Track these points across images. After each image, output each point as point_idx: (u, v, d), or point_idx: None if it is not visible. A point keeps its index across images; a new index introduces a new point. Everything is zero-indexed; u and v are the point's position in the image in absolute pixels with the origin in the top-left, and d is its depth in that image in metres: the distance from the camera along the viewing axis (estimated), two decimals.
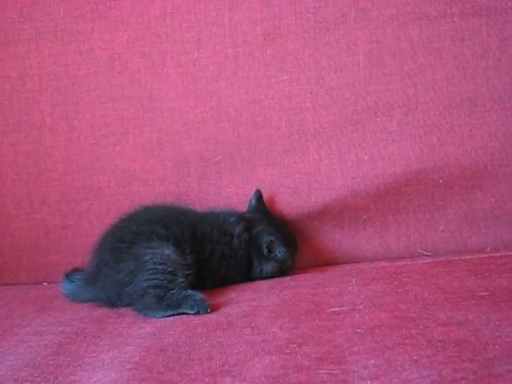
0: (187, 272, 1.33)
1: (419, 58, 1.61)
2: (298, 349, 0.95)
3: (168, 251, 1.33)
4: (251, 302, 1.28)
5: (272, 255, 1.50)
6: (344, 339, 0.98)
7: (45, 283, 1.73)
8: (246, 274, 1.51)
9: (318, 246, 1.65)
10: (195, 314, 1.23)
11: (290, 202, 1.64)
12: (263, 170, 1.66)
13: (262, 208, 1.60)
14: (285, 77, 1.65)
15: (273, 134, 1.65)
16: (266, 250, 1.49)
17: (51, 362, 1.03)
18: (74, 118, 1.73)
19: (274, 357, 0.93)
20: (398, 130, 1.62)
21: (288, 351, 0.95)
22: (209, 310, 1.23)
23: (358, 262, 1.61)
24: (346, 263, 1.62)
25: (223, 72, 1.67)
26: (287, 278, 1.49)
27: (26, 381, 0.95)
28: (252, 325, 1.12)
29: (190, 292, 1.27)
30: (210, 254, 1.46)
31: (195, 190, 1.68)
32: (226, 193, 1.67)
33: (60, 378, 0.96)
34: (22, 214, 1.76)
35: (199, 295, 1.26)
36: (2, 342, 1.18)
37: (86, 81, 1.72)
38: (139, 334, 1.15)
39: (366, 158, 1.62)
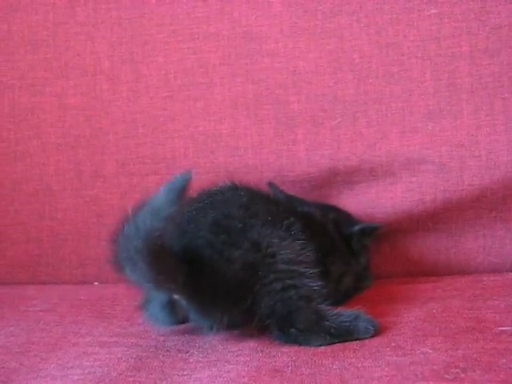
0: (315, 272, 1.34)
1: None
2: (462, 375, 1.02)
3: (297, 245, 1.34)
4: (384, 318, 1.34)
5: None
6: None
7: (96, 283, 1.85)
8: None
9: (470, 245, 1.71)
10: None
11: (433, 183, 1.69)
12: (398, 139, 1.72)
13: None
14: (432, 10, 1.70)
15: (413, 90, 1.71)
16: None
17: (131, 379, 1.13)
18: (141, 61, 1.83)
19: (431, 383, 0.99)
20: None
21: (449, 377, 1.01)
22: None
23: None
24: (510, 271, 1.67)
25: (346, 3, 1.74)
26: (429, 286, 1.55)
27: None
28: (392, 344, 1.19)
29: (354, 311, 1.29)
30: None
31: (303, 164, 1.75)
32: (344, 167, 1.74)
33: None
34: (68, 189, 1.88)
35: (362, 312, 1.30)
36: (57, 352, 1.29)
37: (158, 11, 1.82)
38: (240, 349, 1.23)
39: None
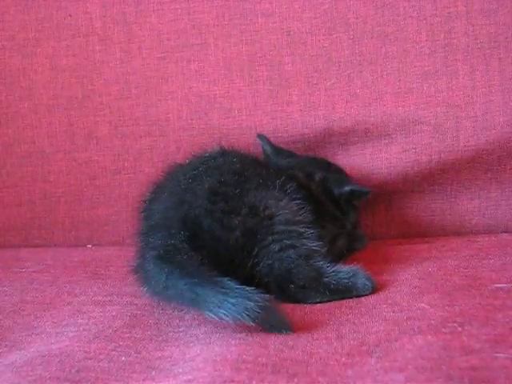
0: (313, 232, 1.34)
1: None
2: (459, 329, 1.02)
3: (294, 205, 1.34)
4: (381, 276, 1.35)
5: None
6: None
7: (89, 245, 1.85)
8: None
9: (465, 206, 1.71)
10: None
11: (428, 144, 1.69)
12: (393, 99, 1.71)
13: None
14: None
15: (408, 51, 1.70)
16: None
17: (127, 335, 1.14)
18: (134, 22, 1.81)
19: (429, 337, 1.00)
20: None
21: (447, 331, 1.01)
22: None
23: None
24: (505, 232, 1.68)
25: None
26: (425, 247, 1.56)
27: (100, 354, 1.05)
28: (389, 301, 1.20)
29: (353, 268, 1.31)
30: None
31: (297, 125, 1.75)
32: (339, 128, 1.73)
33: (144, 353, 1.06)
34: (60, 151, 1.86)
35: (360, 269, 1.31)
36: (52, 310, 1.30)
37: None
38: None
39: None
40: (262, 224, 1.27)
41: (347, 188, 1.55)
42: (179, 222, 1.27)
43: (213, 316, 1.07)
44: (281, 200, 1.32)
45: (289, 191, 1.36)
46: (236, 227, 1.26)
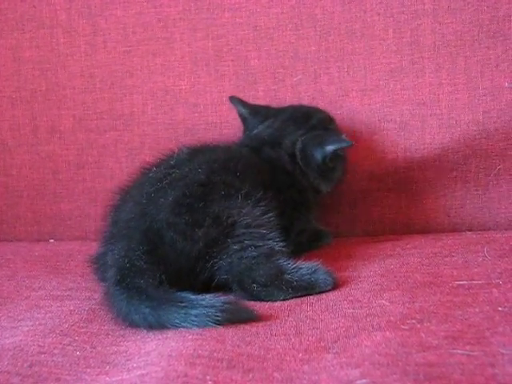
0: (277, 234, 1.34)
1: None
2: (418, 325, 1.01)
3: (257, 211, 1.33)
4: (342, 273, 1.35)
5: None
6: (481, 318, 1.03)
7: (51, 240, 1.84)
8: None
9: (431, 205, 1.71)
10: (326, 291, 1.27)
11: (394, 142, 1.69)
12: (358, 97, 1.71)
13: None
14: None
15: (375, 47, 1.70)
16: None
17: (83, 330, 1.12)
18: (99, 14, 1.80)
19: (387, 333, 0.99)
20: None
21: (405, 327, 1.01)
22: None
23: (486, 230, 1.67)
24: (469, 230, 1.67)
25: None
26: (389, 245, 1.55)
27: (54, 348, 1.03)
28: (349, 298, 1.19)
29: (314, 264, 1.29)
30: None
31: None
32: None
33: (99, 348, 1.05)
34: (23, 145, 1.85)
35: (320, 265, 1.30)
36: (8, 305, 1.28)
37: None
38: None
39: (507, 85, 1.64)
40: (224, 232, 1.26)
41: (329, 148, 1.53)
42: (140, 234, 1.25)
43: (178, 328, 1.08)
44: (244, 208, 1.31)
45: (254, 197, 1.34)
46: (199, 239, 1.25)
